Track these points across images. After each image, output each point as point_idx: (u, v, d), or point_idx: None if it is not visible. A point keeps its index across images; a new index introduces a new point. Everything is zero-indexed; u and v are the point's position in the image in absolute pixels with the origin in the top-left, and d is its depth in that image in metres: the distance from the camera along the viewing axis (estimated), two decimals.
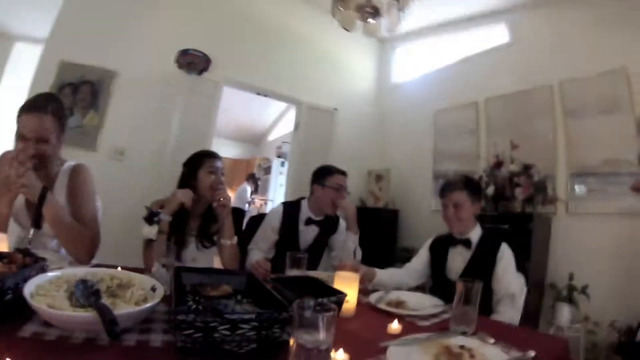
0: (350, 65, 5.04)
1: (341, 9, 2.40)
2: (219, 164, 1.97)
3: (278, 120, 8.24)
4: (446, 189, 2.06)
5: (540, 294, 3.22)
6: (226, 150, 8.57)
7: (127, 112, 3.55)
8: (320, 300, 0.80)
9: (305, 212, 2.49)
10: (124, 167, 3.55)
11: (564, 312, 2.92)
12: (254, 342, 0.86)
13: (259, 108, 7.40)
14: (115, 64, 3.55)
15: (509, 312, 1.79)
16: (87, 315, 0.82)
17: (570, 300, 2.94)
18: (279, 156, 7.65)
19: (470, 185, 2.06)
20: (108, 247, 1.75)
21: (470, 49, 4.37)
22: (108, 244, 1.74)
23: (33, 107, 1.51)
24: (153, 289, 1.05)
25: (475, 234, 2.00)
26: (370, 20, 2.34)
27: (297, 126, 4.68)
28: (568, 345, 1.32)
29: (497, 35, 4.12)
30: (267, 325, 0.86)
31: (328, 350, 0.74)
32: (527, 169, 3.34)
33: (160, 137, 3.72)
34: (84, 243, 1.54)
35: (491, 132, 3.96)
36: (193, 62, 3.80)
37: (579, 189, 3.23)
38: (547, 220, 3.32)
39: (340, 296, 1.27)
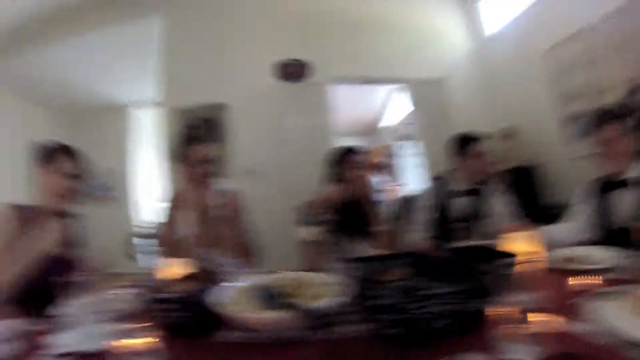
0: (440, 32, 4.68)
1: None
2: (359, 157, 1.98)
3: (385, 106, 8.09)
4: (591, 125, 1.81)
5: None
6: None
7: (246, 135, 3.83)
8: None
9: (453, 185, 2.38)
10: (257, 185, 3.75)
11: None
12: (449, 317, 0.83)
13: (362, 98, 7.34)
14: (221, 96, 3.91)
15: None
16: (283, 315, 0.87)
17: None
18: (399, 139, 7.48)
19: (620, 116, 1.80)
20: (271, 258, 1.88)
21: None
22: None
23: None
24: (327, 284, 1.06)
25: (635, 171, 1.71)
26: None
27: (414, 104, 4.52)
28: None
29: None
30: (464, 297, 0.84)
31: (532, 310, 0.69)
32: None
33: (283, 149, 3.92)
34: None
35: (609, 59, 3.25)
36: (293, 71, 3.93)
37: None
38: None
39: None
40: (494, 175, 2.26)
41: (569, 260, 1.42)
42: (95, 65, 5.47)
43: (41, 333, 1.04)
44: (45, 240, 1.46)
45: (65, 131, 7.10)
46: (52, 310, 1.15)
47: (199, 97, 3.92)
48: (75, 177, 1.62)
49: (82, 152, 1.70)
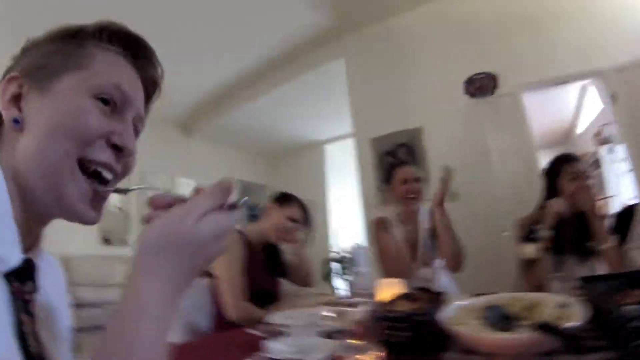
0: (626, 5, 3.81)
1: None
2: (580, 166, 1.86)
3: (579, 108, 7.12)
4: None
5: None
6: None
7: (444, 158, 3.83)
8: None
9: None
10: (462, 207, 3.69)
11: None
12: None
13: (554, 104, 6.63)
14: (415, 122, 4.03)
15: None
16: (525, 336, 0.81)
17: None
18: (602, 143, 6.46)
19: None
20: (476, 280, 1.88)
21: None
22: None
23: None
24: (562, 305, 0.96)
25: None
26: None
27: (614, 98, 3.85)
28: None
29: None
30: None
31: None
32: None
33: (484, 168, 3.79)
34: None
35: None
36: (482, 85, 3.84)
37: None
38: None
39: None
40: None
41: None
42: (292, 109, 6.32)
43: (260, 338, 1.18)
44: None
45: (270, 169, 8.35)
46: (269, 318, 1.33)
47: (391, 125, 4.16)
48: (296, 221, 1.98)
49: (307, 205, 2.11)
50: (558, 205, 1.70)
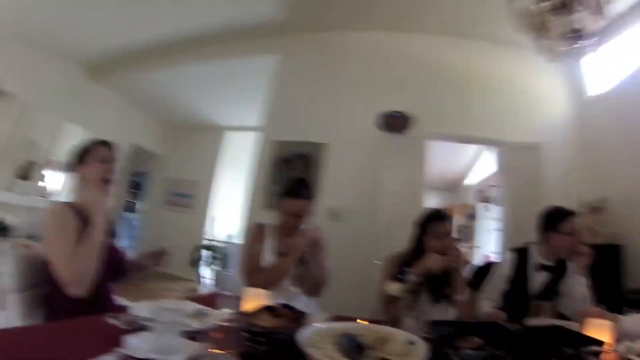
0: (540, 92, 4.51)
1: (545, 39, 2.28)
2: (447, 226, 2.02)
3: (472, 164, 7.94)
4: None
5: None
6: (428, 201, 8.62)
7: (339, 178, 3.98)
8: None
9: (535, 258, 2.28)
10: (342, 227, 3.86)
11: None
12: None
13: (452, 154, 7.29)
14: (322, 137, 4.08)
15: None
16: None
17: None
18: (482, 201, 7.26)
19: None
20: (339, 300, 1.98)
21: None
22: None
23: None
24: (411, 343, 1.04)
25: None
26: (578, 43, 2.14)
27: (501, 167, 4.41)
28: None
29: None
30: None
31: None
32: None
33: (373, 197, 3.97)
34: None
35: None
36: (394, 123, 4.05)
37: None
38: None
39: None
40: (582, 253, 2.15)
41: None
42: (206, 88, 6.05)
43: (119, 331, 1.09)
44: (102, 231, 1.59)
45: (165, 140, 7.92)
46: (125, 308, 1.25)
47: (298, 134, 4.18)
48: (111, 161, 1.73)
49: (115, 143, 1.81)
50: (433, 262, 1.86)
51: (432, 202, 9.04)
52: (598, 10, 2.15)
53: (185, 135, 7.84)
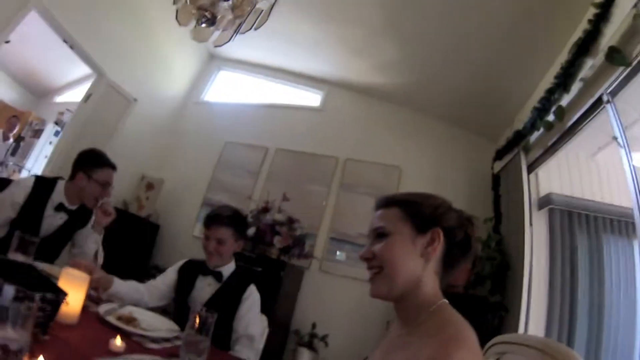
0: (170, 63, 4.75)
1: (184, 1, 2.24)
2: None
3: (73, 86, 7.06)
4: (213, 221, 1.96)
5: (284, 337, 3.45)
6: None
7: None
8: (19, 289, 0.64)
9: (58, 196, 2.12)
10: None
11: (304, 356, 3.25)
12: None
13: (60, 59, 6.18)
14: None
15: (245, 352, 1.77)
16: None
17: (311, 346, 3.29)
18: (57, 123, 6.45)
19: (237, 222, 2.00)
20: None
21: (285, 100, 4.70)
22: None
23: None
24: None
25: (228, 268, 1.96)
26: (204, 25, 2.24)
27: (87, 98, 4.03)
28: None
29: (311, 99, 4.60)
30: None
31: (20, 352, 0.61)
32: (290, 222, 3.57)
33: None
34: None
35: (270, 179, 4.23)
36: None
37: (335, 251, 3.70)
38: (300, 272, 3.63)
39: (56, 294, 1.00)
40: (106, 211, 2.14)
41: (130, 320, 1.37)
42: None
43: None
44: None
45: None
46: None
47: None
48: None
49: None
50: None
51: (4, 88, 7.35)
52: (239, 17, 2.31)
53: None
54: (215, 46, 2.30)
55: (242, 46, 4.39)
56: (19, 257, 1.40)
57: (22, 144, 6.56)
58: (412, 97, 4.00)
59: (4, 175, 5.70)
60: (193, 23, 2.25)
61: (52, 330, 0.94)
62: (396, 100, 4.14)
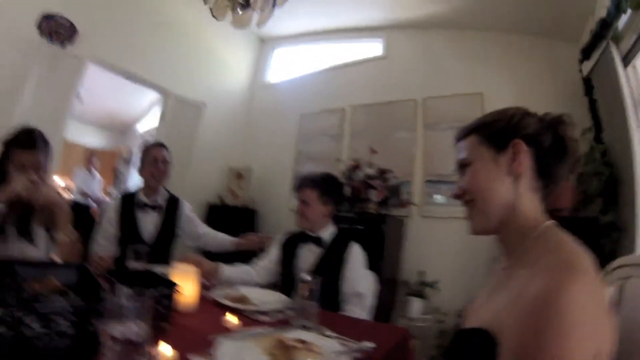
0: (225, 60, 4.86)
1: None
2: (33, 157, 1.61)
3: (148, 111, 7.60)
4: (298, 184, 2.03)
5: (393, 290, 3.44)
6: (87, 137, 7.71)
7: None
8: (135, 289, 0.71)
9: (140, 197, 2.30)
10: None
11: (415, 305, 3.21)
12: (69, 338, 0.77)
13: (129, 95, 6.71)
14: None
15: (356, 311, 1.81)
16: None
17: (421, 294, 3.24)
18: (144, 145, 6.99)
19: (323, 184, 2.00)
20: None
21: (346, 58, 4.55)
22: None
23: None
24: None
25: (327, 232, 1.99)
26: (239, 10, 2.26)
27: (162, 117, 4.33)
28: (408, 333, 1.39)
29: (373, 48, 4.37)
30: (83, 319, 0.78)
31: (143, 343, 0.67)
32: (382, 173, 3.53)
33: (8, 112, 2.96)
34: None
35: (354, 137, 4.18)
36: (58, 30, 3.17)
37: (432, 194, 3.56)
38: (401, 222, 3.56)
39: (169, 288, 1.11)
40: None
41: (242, 299, 1.48)
42: None
43: None
44: None
45: None
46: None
47: None
48: None
49: None
50: (22, 185, 1.49)
51: (94, 138, 8.20)
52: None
53: None
54: (259, 26, 2.32)
55: (289, 19, 4.33)
56: (136, 266, 1.56)
57: (119, 174, 7.32)
58: (476, 16, 3.62)
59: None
60: (230, 14, 2.31)
61: (174, 319, 1.05)
62: (459, 24, 3.80)
